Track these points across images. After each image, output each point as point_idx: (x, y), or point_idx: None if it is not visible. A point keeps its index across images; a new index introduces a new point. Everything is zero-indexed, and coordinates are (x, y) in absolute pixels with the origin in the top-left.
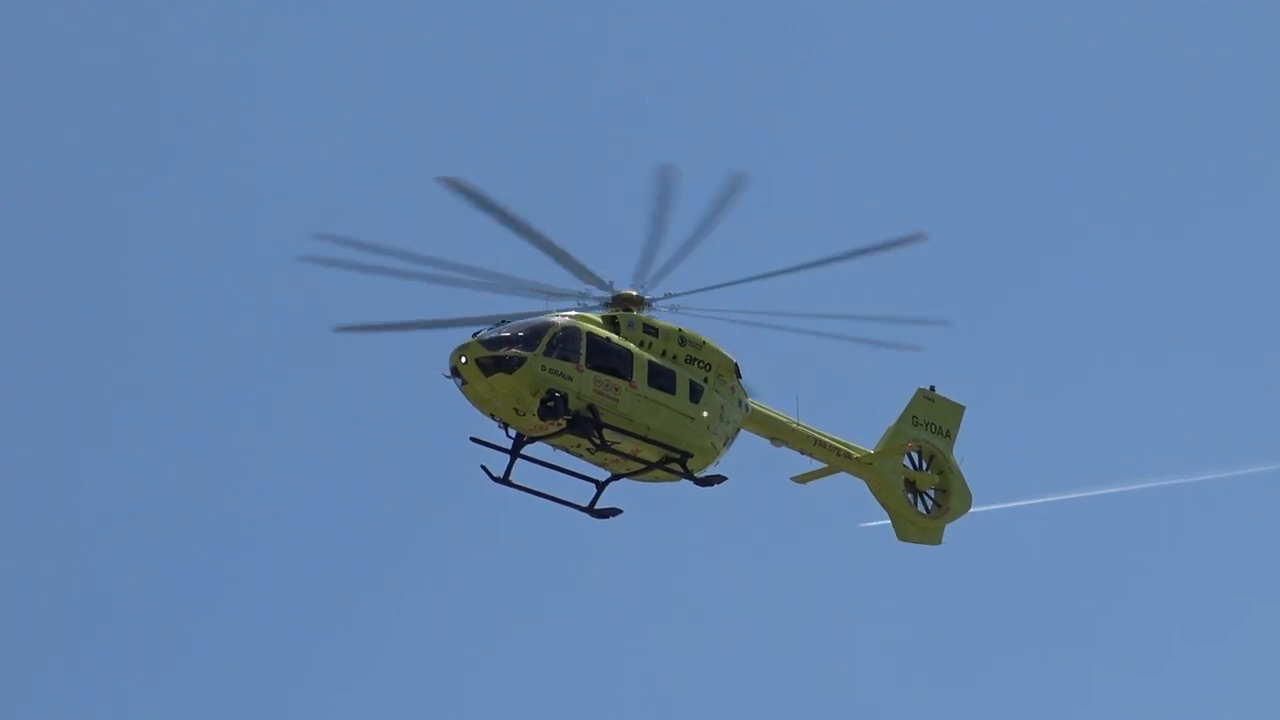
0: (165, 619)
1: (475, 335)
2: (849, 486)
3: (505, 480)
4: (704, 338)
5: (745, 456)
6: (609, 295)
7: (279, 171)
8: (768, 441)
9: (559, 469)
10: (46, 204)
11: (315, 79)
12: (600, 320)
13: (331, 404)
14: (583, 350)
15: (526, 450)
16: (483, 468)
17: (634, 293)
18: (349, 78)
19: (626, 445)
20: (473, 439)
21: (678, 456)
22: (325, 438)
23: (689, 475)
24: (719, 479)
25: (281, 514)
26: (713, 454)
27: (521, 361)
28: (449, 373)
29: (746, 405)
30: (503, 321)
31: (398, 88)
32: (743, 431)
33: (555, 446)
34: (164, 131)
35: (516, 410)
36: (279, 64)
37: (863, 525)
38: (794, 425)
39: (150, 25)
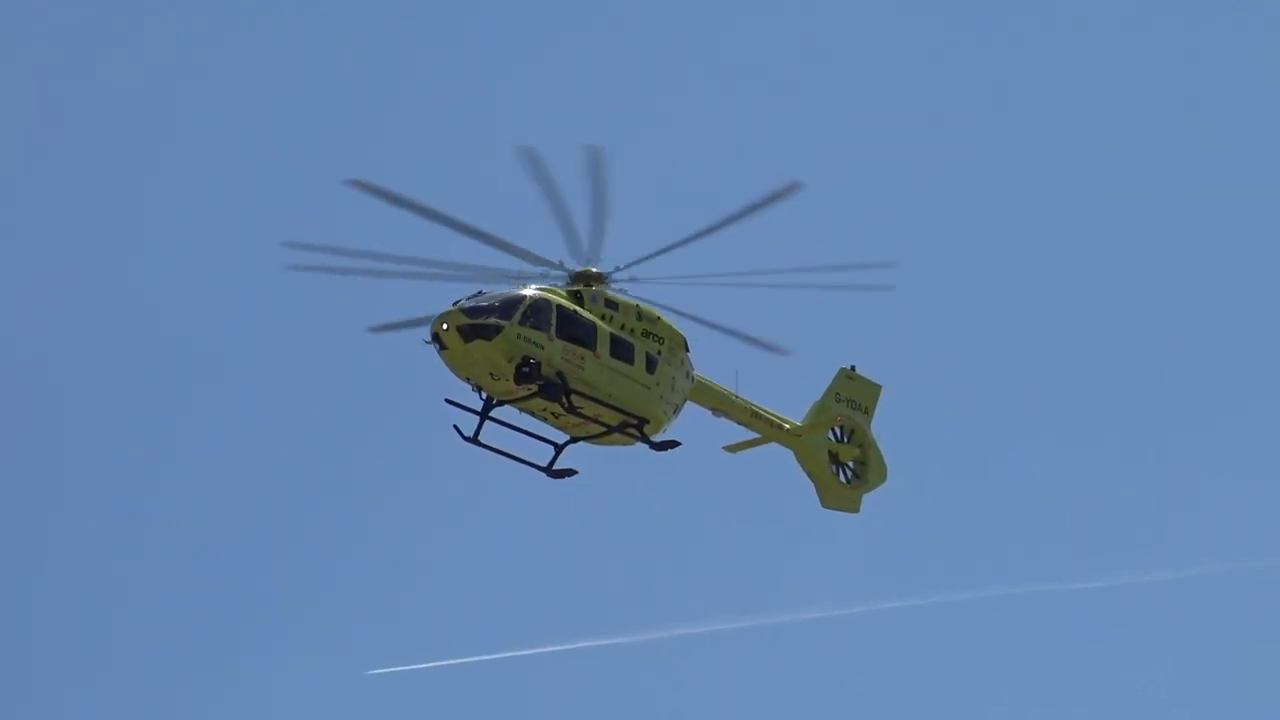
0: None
1: (455, 304)
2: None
3: (474, 440)
4: (658, 313)
5: (688, 424)
6: (568, 273)
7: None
8: (709, 412)
9: (522, 430)
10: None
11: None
12: (566, 294)
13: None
14: (553, 321)
15: (494, 413)
16: (455, 427)
17: (594, 269)
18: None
19: (590, 410)
20: (448, 401)
21: (635, 422)
22: (313, 405)
23: (645, 440)
24: (674, 444)
25: (271, 471)
26: (665, 420)
27: (499, 330)
28: (429, 338)
29: (693, 377)
30: (479, 293)
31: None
32: (687, 402)
33: (522, 410)
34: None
35: (492, 375)
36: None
37: (724, 448)
38: (734, 398)
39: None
